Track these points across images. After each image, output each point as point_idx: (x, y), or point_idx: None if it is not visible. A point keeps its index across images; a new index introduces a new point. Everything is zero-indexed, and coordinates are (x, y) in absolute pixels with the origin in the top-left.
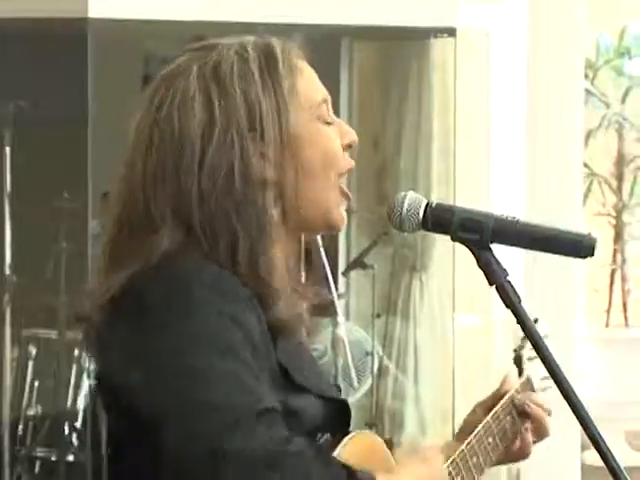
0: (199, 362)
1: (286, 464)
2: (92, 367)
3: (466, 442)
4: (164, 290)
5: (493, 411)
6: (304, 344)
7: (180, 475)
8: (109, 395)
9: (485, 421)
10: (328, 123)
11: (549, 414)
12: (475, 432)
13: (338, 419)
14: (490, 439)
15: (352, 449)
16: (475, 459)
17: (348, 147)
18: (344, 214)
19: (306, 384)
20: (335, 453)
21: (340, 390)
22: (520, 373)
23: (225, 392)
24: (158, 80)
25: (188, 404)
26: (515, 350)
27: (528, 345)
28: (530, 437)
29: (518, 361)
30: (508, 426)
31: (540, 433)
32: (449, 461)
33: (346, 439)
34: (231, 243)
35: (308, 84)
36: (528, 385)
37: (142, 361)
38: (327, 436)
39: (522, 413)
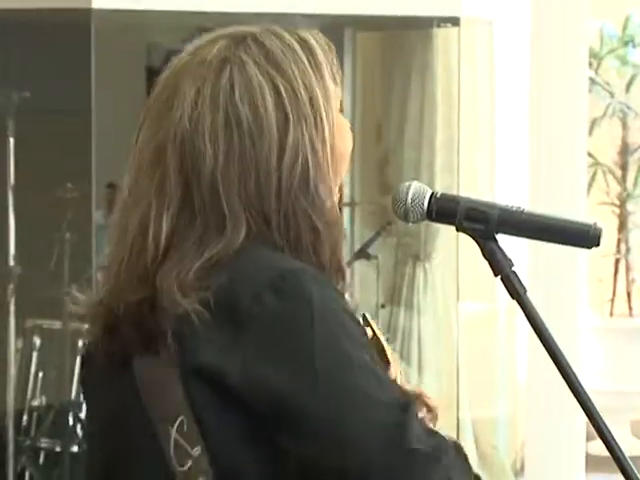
0: (341, 356)
1: (449, 455)
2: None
3: None
4: (289, 303)
5: None
6: None
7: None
8: (221, 394)
9: None
10: (339, 110)
11: None
12: None
13: None
14: None
15: None
16: None
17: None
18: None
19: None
20: None
21: None
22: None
23: (378, 384)
24: (194, 67)
25: (351, 397)
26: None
27: None
28: None
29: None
30: None
31: None
32: None
33: None
34: (313, 241)
35: (331, 74)
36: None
37: (285, 361)
38: None
39: None
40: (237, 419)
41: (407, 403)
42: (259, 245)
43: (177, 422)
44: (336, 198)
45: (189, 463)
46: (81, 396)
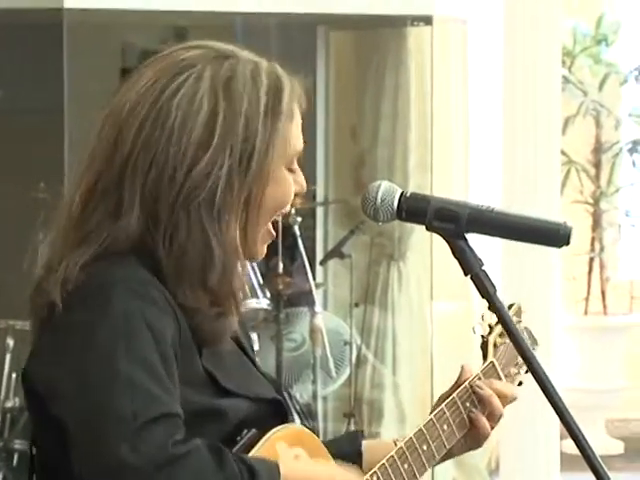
0: (112, 371)
1: (177, 466)
2: None
3: (415, 430)
4: (87, 291)
5: (449, 399)
6: (236, 351)
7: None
8: (28, 397)
9: (439, 409)
10: (291, 170)
11: (512, 400)
12: (427, 420)
13: (270, 416)
14: (445, 426)
15: (279, 438)
16: (425, 446)
17: (295, 196)
18: (264, 250)
19: (231, 387)
20: (259, 444)
21: (278, 387)
22: (485, 358)
23: (131, 400)
24: (165, 62)
25: (98, 413)
26: (483, 336)
27: (496, 331)
28: (483, 421)
29: (484, 347)
30: (466, 413)
31: (493, 416)
32: (395, 450)
33: (272, 431)
34: (203, 257)
35: (295, 131)
36: (493, 371)
37: (54, 361)
38: (252, 432)
39: (480, 399)
40: (49, 425)
41: (143, 415)
42: (128, 255)
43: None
44: (263, 239)
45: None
46: None
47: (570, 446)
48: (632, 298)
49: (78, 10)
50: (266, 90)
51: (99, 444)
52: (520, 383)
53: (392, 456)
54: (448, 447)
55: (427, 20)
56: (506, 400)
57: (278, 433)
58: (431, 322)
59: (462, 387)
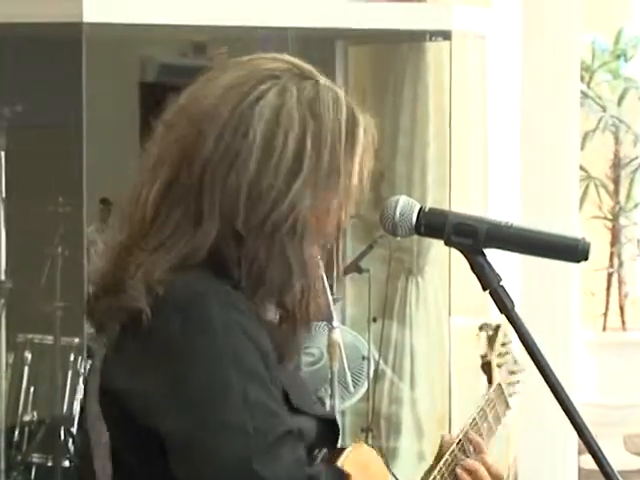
0: (224, 385)
1: None
2: (91, 368)
3: None
4: (181, 301)
5: (437, 469)
6: (296, 367)
7: None
8: (119, 411)
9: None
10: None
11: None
12: None
13: (329, 435)
14: None
15: (351, 462)
16: None
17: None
18: None
19: (301, 405)
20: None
21: (323, 404)
22: (490, 380)
23: (251, 416)
24: (246, 68)
25: (217, 428)
26: (482, 356)
27: (496, 350)
28: None
29: (487, 368)
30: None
31: None
32: None
33: (345, 453)
34: (282, 280)
35: (360, 165)
36: (500, 393)
37: (152, 375)
38: (324, 452)
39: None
40: (134, 438)
41: (270, 432)
42: (204, 267)
43: (102, 442)
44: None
45: None
46: (73, 410)
47: (588, 461)
48: None
49: (97, 24)
50: (345, 121)
51: (226, 461)
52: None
53: None
54: None
55: (446, 35)
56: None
57: (351, 454)
58: (449, 337)
59: (445, 457)
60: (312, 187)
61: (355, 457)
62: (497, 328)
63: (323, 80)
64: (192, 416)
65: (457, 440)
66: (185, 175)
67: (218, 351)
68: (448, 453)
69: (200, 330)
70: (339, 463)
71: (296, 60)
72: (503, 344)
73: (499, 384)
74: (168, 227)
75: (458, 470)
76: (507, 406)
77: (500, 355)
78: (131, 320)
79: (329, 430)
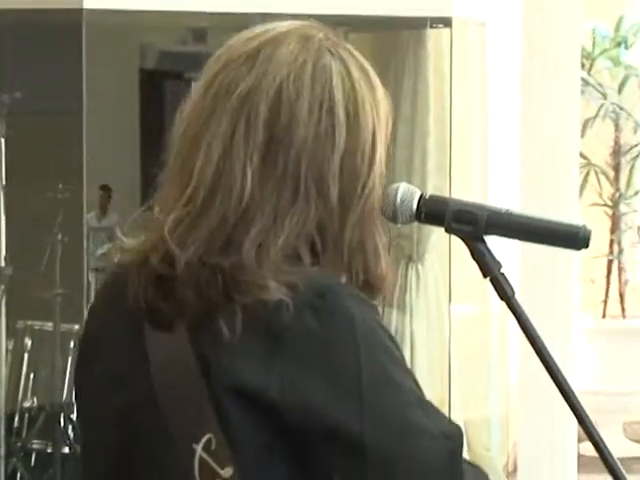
0: (386, 378)
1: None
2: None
3: None
4: (315, 300)
5: None
6: None
7: None
8: (255, 411)
9: None
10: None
11: None
12: None
13: None
14: None
15: None
16: None
17: None
18: None
19: None
20: None
21: None
22: None
23: (424, 415)
24: (296, 37)
25: (397, 421)
26: None
27: None
28: None
29: None
30: None
31: None
32: None
33: None
34: (368, 261)
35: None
36: None
37: (329, 381)
38: None
39: None
40: (275, 440)
41: (454, 433)
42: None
43: (204, 439)
44: None
45: None
46: (72, 397)
47: (588, 448)
48: None
49: (97, 11)
50: (381, 93)
51: (433, 464)
52: None
53: None
54: None
55: (446, 22)
56: None
57: None
58: (449, 324)
59: None
60: (380, 164)
61: None
62: None
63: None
64: (374, 413)
65: None
66: (280, 156)
67: (370, 345)
68: None
69: (343, 325)
70: None
71: (296, 24)
72: None
73: None
74: (266, 211)
75: None
76: None
77: None
78: (261, 312)
79: None
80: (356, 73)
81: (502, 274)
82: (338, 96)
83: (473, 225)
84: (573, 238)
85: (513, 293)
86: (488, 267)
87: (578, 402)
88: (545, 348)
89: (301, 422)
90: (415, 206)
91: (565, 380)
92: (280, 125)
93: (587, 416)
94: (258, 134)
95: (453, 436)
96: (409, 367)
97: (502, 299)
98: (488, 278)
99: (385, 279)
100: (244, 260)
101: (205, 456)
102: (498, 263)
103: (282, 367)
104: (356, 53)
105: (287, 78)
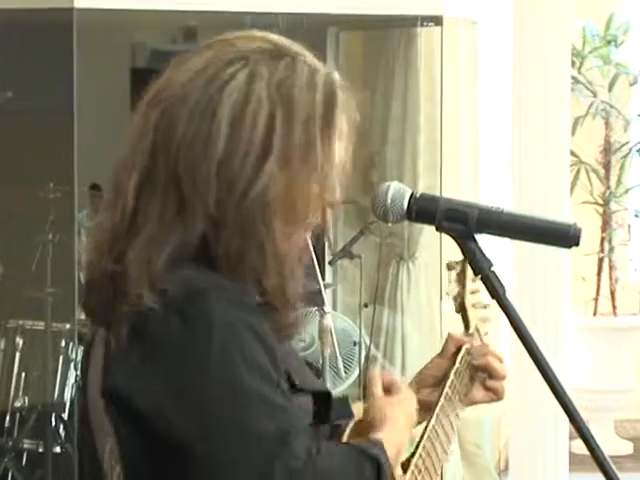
0: (237, 386)
1: (330, 474)
2: (78, 359)
3: (439, 406)
4: (183, 301)
5: (454, 369)
6: (291, 343)
7: None
8: (126, 416)
9: (450, 380)
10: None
11: (500, 361)
12: (444, 393)
13: (324, 409)
14: (456, 397)
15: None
16: (446, 422)
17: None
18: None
19: (302, 384)
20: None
21: (319, 376)
22: (466, 323)
23: (263, 415)
24: (217, 50)
25: (231, 431)
26: (455, 297)
27: (468, 288)
28: (497, 383)
29: (462, 309)
30: (467, 380)
31: (497, 389)
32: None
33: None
34: (258, 263)
35: (340, 144)
36: (477, 335)
37: (161, 379)
38: (325, 428)
39: (480, 366)
40: (149, 445)
41: (288, 432)
42: (200, 262)
43: (110, 442)
44: (299, 243)
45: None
46: (64, 396)
47: (579, 447)
48: None
49: (88, 10)
50: (322, 100)
51: (248, 464)
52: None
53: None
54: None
55: (437, 20)
56: (502, 362)
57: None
58: (440, 322)
59: (463, 356)
60: (285, 168)
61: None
62: (464, 263)
63: (305, 58)
64: (210, 422)
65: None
66: (162, 163)
67: (224, 351)
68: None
69: (201, 331)
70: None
71: (276, 38)
72: (473, 280)
73: (476, 328)
74: (152, 219)
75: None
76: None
77: (473, 293)
78: (137, 320)
79: (324, 404)
80: (263, 85)
81: (493, 272)
82: (225, 101)
83: (464, 224)
84: (564, 236)
85: (504, 291)
86: (479, 265)
87: (569, 400)
88: (536, 346)
89: (158, 428)
90: (406, 205)
91: (556, 378)
92: (162, 129)
93: (578, 414)
94: (147, 139)
95: (284, 436)
96: (271, 371)
97: (493, 297)
98: (479, 276)
99: (282, 289)
100: (128, 270)
101: (108, 456)
102: (489, 261)
103: (148, 374)
104: (300, 68)
105: (183, 84)
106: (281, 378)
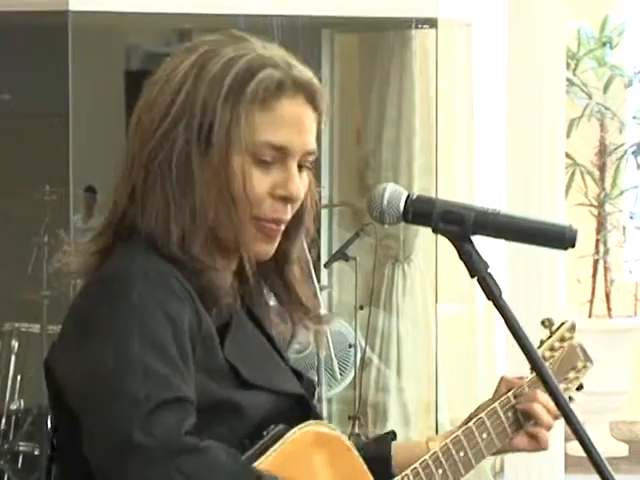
0: (124, 355)
1: (191, 456)
2: None
3: (452, 436)
4: (104, 281)
5: (489, 408)
6: (263, 344)
7: (96, 464)
8: (50, 386)
9: (478, 417)
10: (263, 164)
11: (555, 418)
12: (464, 428)
13: (294, 411)
14: (484, 435)
15: (292, 446)
16: (462, 453)
17: (282, 199)
18: (267, 250)
19: (255, 381)
20: (273, 449)
21: (311, 381)
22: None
23: (143, 384)
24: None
25: (110, 398)
26: (542, 340)
27: (555, 337)
28: (541, 432)
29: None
30: (508, 423)
31: (541, 426)
32: (429, 454)
33: (293, 431)
34: (164, 221)
35: (271, 123)
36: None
37: (73, 351)
38: (280, 427)
39: (525, 412)
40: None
41: (156, 399)
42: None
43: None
44: (251, 239)
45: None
46: None
47: (574, 448)
48: (637, 300)
49: (83, 13)
50: (234, 76)
51: (109, 427)
52: (579, 387)
53: (425, 460)
54: (488, 454)
55: (432, 23)
56: (550, 411)
57: (304, 430)
58: (436, 324)
59: (504, 397)
60: (183, 129)
61: (312, 432)
62: (562, 326)
63: (247, 44)
64: (93, 388)
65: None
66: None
67: (128, 326)
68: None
69: (116, 308)
70: (290, 434)
71: (243, 35)
72: (562, 339)
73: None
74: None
75: (526, 406)
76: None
77: (562, 340)
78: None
79: (293, 407)
80: (191, 64)
81: (489, 274)
82: (155, 77)
83: (460, 225)
84: (560, 238)
85: (500, 293)
86: (475, 267)
87: (565, 401)
88: (532, 347)
89: (59, 385)
90: (402, 207)
91: (552, 380)
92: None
93: (575, 415)
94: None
95: (155, 403)
96: (166, 345)
97: (489, 299)
98: (476, 278)
99: (171, 241)
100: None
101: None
102: (485, 263)
103: (63, 340)
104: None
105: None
106: (191, 360)
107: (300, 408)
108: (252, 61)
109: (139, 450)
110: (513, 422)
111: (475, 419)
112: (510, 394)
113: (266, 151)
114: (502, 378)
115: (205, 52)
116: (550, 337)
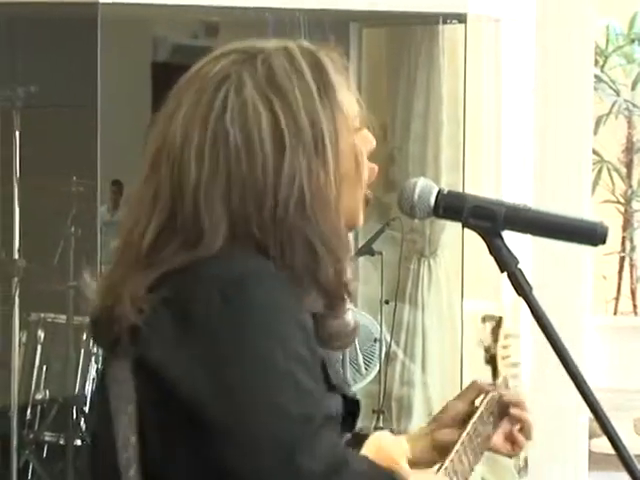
0: (270, 367)
1: (350, 469)
2: (100, 352)
3: (459, 443)
4: (220, 283)
5: (479, 412)
6: None
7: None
8: (158, 392)
9: (472, 422)
10: (358, 130)
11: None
12: (465, 433)
13: (352, 416)
14: (479, 440)
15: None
16: (465, 461)
17: (368, 154)
18: (362, 218)
19: (336, 383)
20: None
21: (348, 385)
22: (495, 373)
23: (296, 400)
24: (197, 83)
25: (260, 411)
26: (486, 349)
27: (500, 342)
28: (520, 437)
29: (492, 361)
30: (490, 428)
31: (526, 433)
32: (444, 465)
33: (370, 441)
34: (311, 264)
35: (349, 96)
36: (505, 385)
37: (211, 365)
38: (347, 435)
39: (504, 414)
40: (167, 415)
41: (315, 418)
42: (236, 247)
43: (128, 412)
44: (360, 208)
45: (129, 451)
46: (85, 389)
47: (598, 445)
48: None
49: (112, 4)
50: (310, 72)
51: (270, 444)
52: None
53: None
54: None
55: (461, 18)
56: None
57: (377, 439)
58: (461, 320)
59: (487, 401)
60: (304, 156)
61: (382, 438)
62: (500, 320)
63: (271, 45)
64: (235, 400)
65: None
66: (180, 208)
67: (262, 333)
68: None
69: (242, 311)
70: (368, 444)
71: (236, 45)
72: (506, 336)
73: (504, 377)
74: (164, 253)
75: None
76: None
77: (504, 347)
78: (176, 298)
79: (352, 411)
80: (252, 91)
81: (519, 270)
82: (232, 129)
83: (491, 221)
84: (591, 234)
85: (531, 289)
86: (506, 263)
87: (595, 398)
88: (562, 343)
89: (182, 397)
90: (433, 201)
91: (582, 376)
92: (175, 180)
93: (604, 412)
94: (163, 194)
95: (310, 421)
96: (307, 358)
97: (520, 295)
98: (506, 274)
99: (339, 273)
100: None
101: (125, 428)
102: (515, 259)
103: (184, 348)
104: (304, 67)
105: (179, 134)
106: (318, 368)
107: (356, 412)
108: (304, 54)
109: (306, 473)
110: (494, 426)
111: (471, 425)
112: (489, 398)
113: (356, 120)
114: (473, 382)
115: (254, 74)
116: (497, 334)
